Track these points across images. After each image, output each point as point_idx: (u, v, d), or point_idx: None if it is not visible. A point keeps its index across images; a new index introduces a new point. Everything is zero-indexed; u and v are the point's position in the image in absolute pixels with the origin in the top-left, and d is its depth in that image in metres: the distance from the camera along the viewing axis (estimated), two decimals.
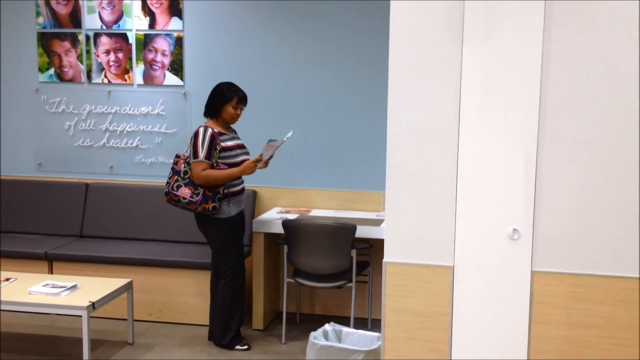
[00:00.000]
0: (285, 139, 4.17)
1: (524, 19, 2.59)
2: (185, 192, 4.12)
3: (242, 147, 4.31)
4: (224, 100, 4.20)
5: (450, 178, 2.73)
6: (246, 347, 4.33)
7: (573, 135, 2.60)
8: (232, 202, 4.23)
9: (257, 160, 4.18)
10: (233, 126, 4.37)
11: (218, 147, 4.14)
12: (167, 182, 4.20)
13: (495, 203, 2.69)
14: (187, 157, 4.18)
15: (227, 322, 4.30)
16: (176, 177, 4.16)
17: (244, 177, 4.33)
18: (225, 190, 4.18)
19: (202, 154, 4.10)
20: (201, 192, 4.11)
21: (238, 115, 4.27)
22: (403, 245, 2.80)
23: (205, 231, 4.28)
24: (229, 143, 4.21)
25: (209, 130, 4.14)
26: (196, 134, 4.15)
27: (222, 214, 4.19)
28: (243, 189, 4.34)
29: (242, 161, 4.22)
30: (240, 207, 4.31)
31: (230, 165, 4.17)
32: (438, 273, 2.78)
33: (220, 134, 4.18)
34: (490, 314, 2.74)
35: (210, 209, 4.12)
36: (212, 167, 4.13)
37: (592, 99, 2.58)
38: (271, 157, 4.23)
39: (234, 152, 4.21)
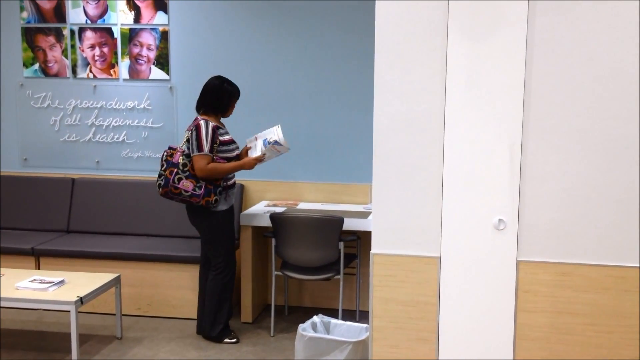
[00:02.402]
0: (288, 148, 4.26)
1: (508, 9, 2.61)
2: (187, 185, 4.11)
3: (235, 141, 4.33)
4: (232, 96, 4.27)
5: (436, 169, 2.75)
6: (235, 340, 4.35)
7: (557, 125, 2.64)
8: (228, 195, 4.25)
9: (259, 160, 4.23)
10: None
11: (217, 141, 4.16)
12: (161, 175, 4.17)
13: (481, 193, 2.72)
14: (184, 150, 4.17)
15: (216, 315, 4.31)
16: (175, 169, 4.14)
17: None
18: (224, 184, 4.20)
19: (206, 147, 4.10)
20: (203, 185, 4.12)
21: (233, 109, 4.36)
22: (390, 236, 2.82)
23: (198, 223, 4.29)
24: (226, 137, 4.23)
25: (211, 124, 4.15)
26: (198, 127, 4.13)
27: (217, 207, 4.21)
28: (234, 183, 4.36)
29: (237, 155, 4.25)
30: (232, 201, 4.34)
31: (227, 160, 4.20)
32: (425, 263, 2.80)
33: (217, 127, 4.20)
34: (476, 302, 2.77)
35: (213, 202, 4.14)
36: (212, 161, 4.15)
37: (576, 88, 2.61)
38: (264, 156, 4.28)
39: (231, 147, 4.24)
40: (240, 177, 5.04)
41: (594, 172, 2.64)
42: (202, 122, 4.15)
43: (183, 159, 4.15)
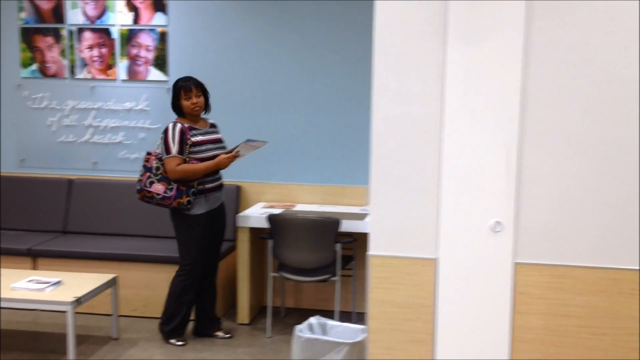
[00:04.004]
0: (265, 141, 4.24)
1: (505, 13, 2.63)
2: (158, 187, 4.13)
3: (215, 141, 4.29)
4: (176, 97, 4.22)
5: (433, 171, 2.76)
6: (181, 343, 4.34)
7: (554, 128, 2.65)
8: (208, 198, 4.24)
9: (234, 157, 4.19)
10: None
11: (189, 142, 4.14)
12: (139, 180, 4.19)
13: (478, 196, 2.73)
14: (159, 153, 4.18)
15: (172, 314, 4.33)
16: (148, 173, 4.17)
17: (223, 173, 4.36)
18: (200, 186, 4.18)
19: (174, 149, 4.11)
20: (175, 187, 4.12)
21: (196, 104, 4.20)
22: (387, 238, 2.83)
23: (174, 224, 4.30)
24: (199, 138, 4.20)
25: (178, 126, 4.15)
26: (166, 130, 4.16)
27: (194, 211, 4.20)
28: (220, 186, 4.33)
29: (214, 156, 4.21)
30: (214, 204, 4.30)
31: (201, 160, 4.18)
32: (421, 265, 2.81)
33: (191, 128, 4.18)
34: (473, 305, 2.78)
35: (185, 203, 4.13)
36: (184, 162, 4.14)
37: (573, 91, 2.62)
38: (239, 153, 4.24)
39: (204, 147, 4.20)
40: (236, 179, 5.06)
41: (590, 175, 2.65)
42: (169, 125, 4.17)
43: (156, 163, 4.17)
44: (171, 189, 4.12)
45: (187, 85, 4.21)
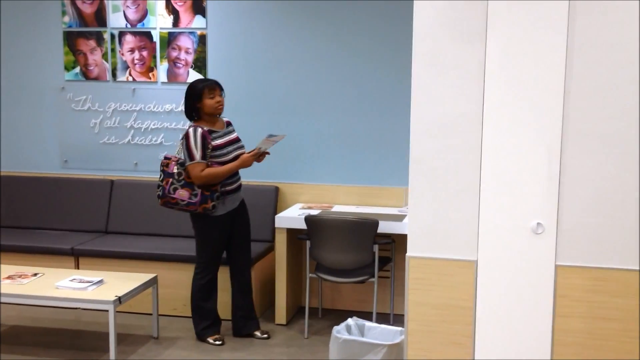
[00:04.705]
0: (283, 135, 4.26)
1: (547, 11, 2.59)
2: (182, 194, 4.14)
3: (234, 141, 4.30)
4: (198, 97, 4.18)
5: (473, 172, 2.74)
6: (219, 342, 4.36)
7: (597, 129, 2.60)
8: (226, 200, 4.25)
9: (255, 154, 4.20)
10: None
11: (210, 147, 4.15)
12: (159, 186, 4.20)
13: (519, 197, 2.69)
14: (179, 158, 4.19)
15: (196, 312, 4.38)
16: (170, 179, 4.16)
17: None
18: (222, 189, 4.20)
19: (197, 155, 4.11)
20: (199, 193, 4.13)
21: (220, 102, 4.22)
22: (426, 239, 2.82)
23: (193, 223, 4.32)
24: (219, 141, 4.20)
25: (199, 130, 4.13)
26: (187, 136, 4.14)
27: (218, 212, 4.22)
28: (239, 187, 4.35)
29: (235, 157, 4.22)
30: (233, 205, 4.31)
31: (223, 164, 4.18)
32: (461, 267, 2.79)
33: (210, 132, 4.18)
34: (513, 307, 2.74)
35: (210, 208, 4.14)
36: (207, 166, 4.14)
37: (616, 92, 2.57)
38: (267, 153, 4.27)
39: (225, 150, 4.20)
40: (274, 180, 5.09)
41: (634, 176, 2.59)
42: (190, 130, 4.15)
43: (178, 168, 4.16)
44: (196, 195, 4.13)
45: (211, 84, 4.21)
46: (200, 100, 4.18)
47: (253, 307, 4.54)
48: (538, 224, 2.68)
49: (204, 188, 4.14)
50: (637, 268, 2.62)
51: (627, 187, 2.60)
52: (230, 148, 4.24)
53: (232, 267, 4.46)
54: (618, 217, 2.62)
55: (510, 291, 2.74)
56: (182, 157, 4.18)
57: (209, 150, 4.15)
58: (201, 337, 4.39)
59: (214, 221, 4.25)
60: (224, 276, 4.64)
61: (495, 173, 2.70)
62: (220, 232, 4.30)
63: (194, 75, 5.28)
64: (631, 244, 2.61)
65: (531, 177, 2.67)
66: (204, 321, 4.38)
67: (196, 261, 4.38)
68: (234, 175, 4.27)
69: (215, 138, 4.19)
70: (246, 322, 4.49)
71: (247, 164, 4.22)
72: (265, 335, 4.47)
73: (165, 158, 4.25)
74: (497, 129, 2.68)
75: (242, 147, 4.33)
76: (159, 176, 4.25)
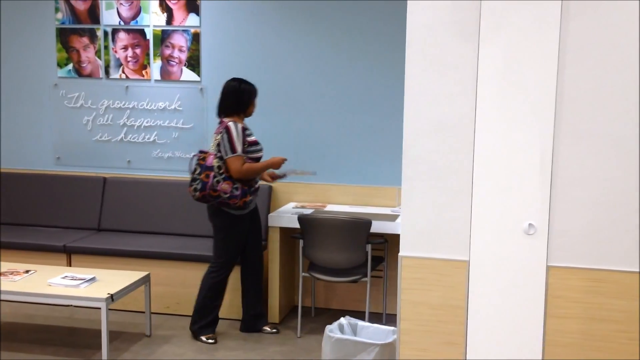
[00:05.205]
0: (314, 172, 4.59)
1: (540, 12, 2.60)
2: (225, 187, 4.16)
3: (259, 142, 4.39)
4: (252, 94, 4.31)
5: (466, 172, 2.75)
6: (212, 341, 4.37)
7: (589, 129, 2.61)
8: (253, 197, 4.32)
9: (284, 160, 4.37)
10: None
11: (246, 143, 4.21)
12: (196, 179, 4.20)
13: (511, 197, 2.70)
14: (217, 152, 4.20)
15: (202, 310, 4.38)
16: (211, 173, 4.17)
17: None
18: (255, 185, 4.30)
19: (239, 148, 4.16)
20: (240, 187, 4.18)
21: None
22: (419, 238, 2.83)
23: (216, 222, 4.34)
24: (252, 138, 4.30)
25: (239, 125, 4.21)
26: (228, 129, 4.17)
27: (239, 211, 4.26)
28: (259, 188, 4.43)
29: (260, 157, 4.31)
30: (253, 205, 4.40)
31: (254, 160, 4.27)
32: (454, 267, 2.80)
33: (244, 129, 4.25)
34: (505, 307, 2.76)
35: (249, 202, 4.22)
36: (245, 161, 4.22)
37: (609, 92, 2.59)
38: (285, 175, 4.49)
39: (257, 147, 4.31)
40: None
41: (627, 177, 2.61)
42: (231, 124, 4.18)
43: (217, 162, 4.19)
44: (237, 189, 4.17)
45: (255, 90, 4.36)
46: (253, 98, 4.33)
47: (262, 305, 4.59)
48: (530, 224, 2.70)
49: (242, 182, 4.18)
50: (632, 270, 2.63)
51: (622, 187, 2.61)
52: (259, 146, 4.33)
53: (246, 266, 4.49)
54: (613, 218, 2.63)
55: (502, 291, 2.76)
56: (220, 152, 4.19)
57: (246, 146, 4.21)
58: (196, 335, 4.40)
59: (238, 220, 4.29)
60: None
61: (488, 174, 2.72)
62: (242, 230, 4.35)
63: (187, 74, 5.27)
64: (624, 245, 2.63)
65: (523, 178, 2.68)
66: (203, 319, 4.38)
67: (213, 260, 4.39)
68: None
69: (249, 135, 4.28)
70: (258, 320, 4.53)
71: (276, 165, 4.34)
72: (275, 330, 4.52)
73: (201, 152, 4.28)
74: (490, 130, 2.69)
75: (262, 148, 4.44)
76: (192, 171, 4.24)
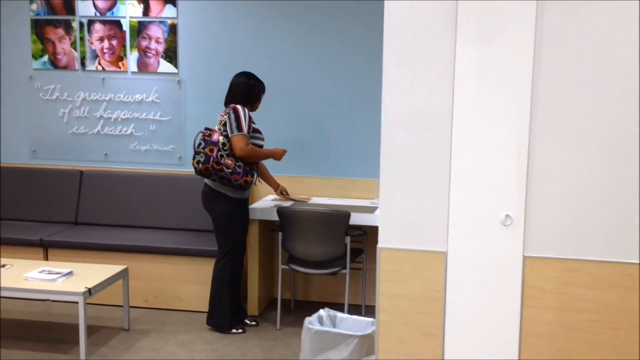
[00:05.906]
0: (309, 198, 4.87)
1: (517, 7, 2.61)
2: (228, 162, 4.19)
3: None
4: (261, 89, 4.42)
5: (443, 165, 2.76)
6: (241, 330, 4.39)
7: (565, 122, 2.64)
8: (254, 179, 4.38)
9: (285, 152, 4.56)
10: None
11: (251, 128, 4.29)
12: (200, 152, 4.21)
13: (488, 189, 2.72)
14: (223, 131, 4.22)
15: (222, 306, 4.35)
16: (215, 147, 4.20)
17: None
18: (253, 171, 4.33)
19: (245, 127, 4.21)
20: (242, 165, 4.22)
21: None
22: (397, 230, 2.83)
23: (214, 209, 4.32)
24: (256, 126, 4.37)
25: (247, 109, 4.29)
26: (236, 110, 4.22)
27: (241, 194, 4.30)
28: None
29: (262, 145, 4.40)
30: (248, 193, 4.45)
31: (258, 147, 4.36)
32: (431, 258, 2.81)
33: (250, 116, 4.33)
34: (482, 298, 2.78)
35: (249, 182, 4.26)
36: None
37: (584, 86, 2.61)
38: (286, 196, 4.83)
39: (261, 135, 4.39)
40: None
41: (602, 169, 2.64)
42: (239, 107, 4.25)
43: (223, 139, 4.22)
44: (239, 166, 4.20)
45: (264, 86, 4.47)
46: (257, 93, 4.40)
47: (241, 298, 4.59)
48: (506, 215, 2.72)
49: (244, 162, 4.22)
50: (608, 260, 2.66)
51: (597, 179, 2.64)
52: (262, 135, 4.41)
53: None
54: (588, 209, 2.66)
55: (479, 282, 2.78)
56: (225, 130, 4.22)
57: (251, 131, 4.27)
58: (227, 329, 4.41)
59: (241, 204, 4.33)
60: (198, 268, 4.63)
61: (465, 166, 2.73)
62: (245, 215, 4.40)
63: (164, 65, 5.23)
64: (599, 236, 2.66)
65: (500, 170, 2.70)
66: (227, 313, 4.38)
67: (220, 251, 4.36)
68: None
69: (253, 123, 4.35)
70: (238, 312, 4.51)
71: (278, 156, 4.49)
72: (254, 323, 4.54)
73: (207, 129, 4.31)
74: (467, 123, 2.71)
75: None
76: (196, 145, 4.26)
